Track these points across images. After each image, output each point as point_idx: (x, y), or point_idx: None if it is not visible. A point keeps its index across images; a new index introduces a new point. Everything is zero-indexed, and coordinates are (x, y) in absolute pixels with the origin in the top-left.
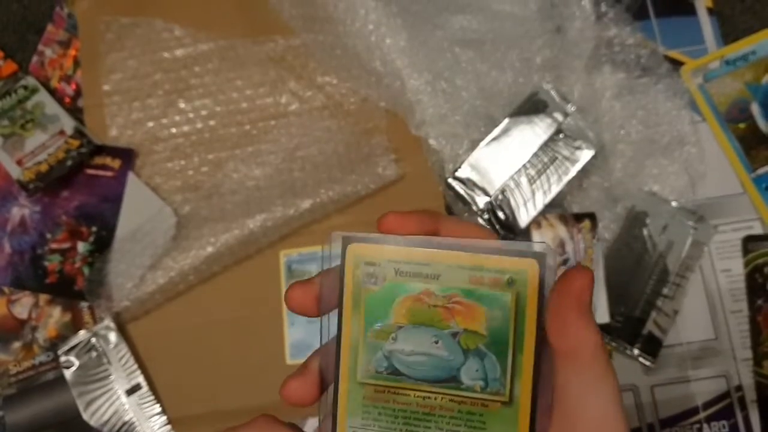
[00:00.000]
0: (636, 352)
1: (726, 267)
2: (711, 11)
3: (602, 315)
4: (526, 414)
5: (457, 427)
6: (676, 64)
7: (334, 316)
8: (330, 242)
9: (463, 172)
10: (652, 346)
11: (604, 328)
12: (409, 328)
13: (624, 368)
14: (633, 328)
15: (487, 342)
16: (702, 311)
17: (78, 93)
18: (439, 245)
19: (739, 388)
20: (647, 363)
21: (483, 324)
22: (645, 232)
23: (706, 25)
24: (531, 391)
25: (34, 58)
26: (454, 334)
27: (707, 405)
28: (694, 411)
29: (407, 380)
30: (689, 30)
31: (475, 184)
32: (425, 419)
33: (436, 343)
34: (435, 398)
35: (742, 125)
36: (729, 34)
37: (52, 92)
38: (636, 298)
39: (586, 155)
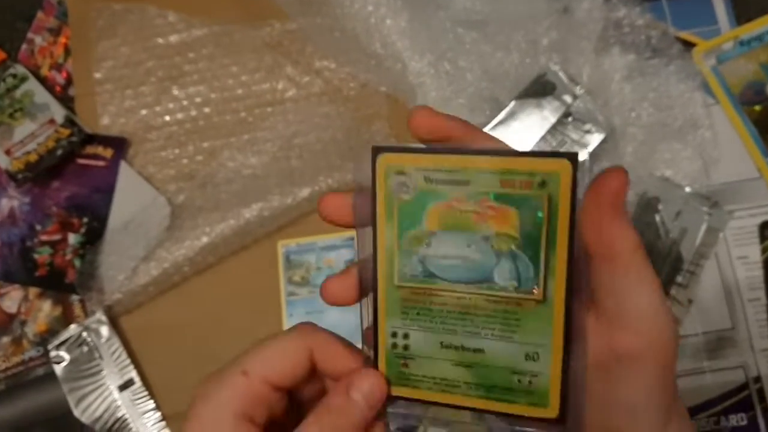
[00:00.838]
0: None
1: (742, 254)
2: None
3: None
4: (561, 312)
5: (493, 325)
6: (688, 45)
7: (369, 231)
8: (356, 166)
9: None
10: None
11: None
12: (442, 233)
13: None
14: None
15: (520, 243)
16: (718, 300)
17: (69, 81)
18: (468, 151)
19: (757, 379)
20: None
21: (515, 226)
22: (657, 218)
23: (719, 6)
24: (565, 290)
25: (24, 46)
26: (486, 238)
27: (724, 397)
28: (711, 403)
29: (442, 282)
30: (701, 10)
31: None
32: (462, 318)
33: (469, 246)
34: (470, 298)
35: (757, 108)
36: (742, 14)
37: (42, 81)
38: None
39: (596, 139)
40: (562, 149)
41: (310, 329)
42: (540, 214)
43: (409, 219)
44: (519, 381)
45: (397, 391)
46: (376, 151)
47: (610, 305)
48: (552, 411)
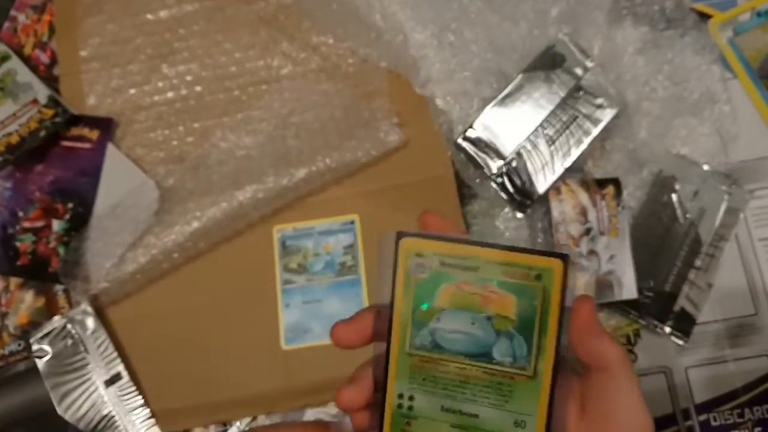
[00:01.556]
0: (667, 330)
1: (764, 235)
2: None
3: (629, 290)
4: (548, 387)
5: (488, 394)
6: (704, 17)
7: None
8: (382, 240)
9: (474, 132)
10: (685, 324)
11: (631, 304)
12: (451, 310)
13: (654, 348)
14: (663, 304)
15: (516, 326)
16: (739, 284)
17: (54, 61)
18: (479, 243)
19: None
20: (680, 342)
21: (513, 310)
22: (674, 198)
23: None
24: (552, 369)
25: (6, 24)
26: (489, 318)
27: (748, 388)
28: (734, 395)
29: (447, 353)
30: None
31: (487, 146)
32: (461, 386)
33: (473, 324)
34: (470, 369)
35: None
36: None
37: (26, 60)
38: (666, 271)
39: (608, 114)
40: (572, 126)
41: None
42: (535, 302)
43: (423, 295)
44: None
45: None
46: (400, 235)
47: (603, 407)
48: None
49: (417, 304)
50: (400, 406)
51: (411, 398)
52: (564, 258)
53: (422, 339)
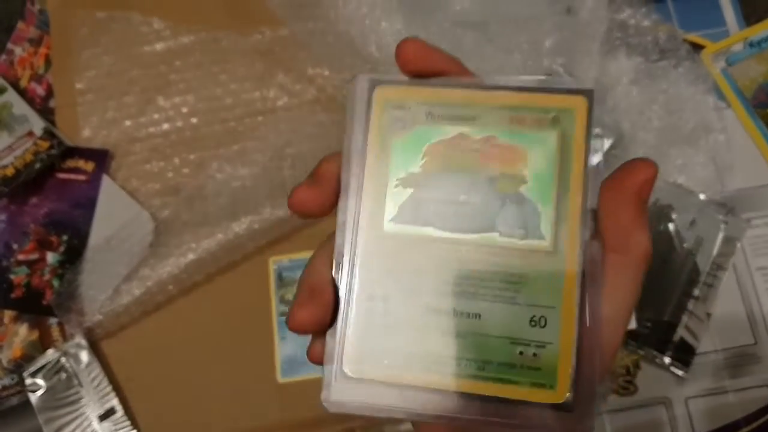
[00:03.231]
0: (667, 360)
1: (762, 264)
2: None
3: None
4: (573, 265)
5: (492, 283)
6: (696, 47)
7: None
8: (354, 85)
9: None
10: (685, 354)
11: (631, 335)
12: (440, 174)
13: (654, 379)
14: (663, 333)
15: (528, 186)
16: (738, 314)
17: (49, 93)
18: (477, 85)
19: None
20: (680, 372)
21: (523, 166)
22: (671, 227)
23: (727, 7)
24: (579, 238)
25: (3, 57)
26: (491, 179)
27: (749, 419)
28: (735, 426)
29: (436, 231)
30: (708, 11)
31: None
32: (456, 275)
33: (470, 190)
34: (467, 251)
35: None
36: (751, 14)
37: (22, 92)
38: (664, 301)
39: (604, 144)
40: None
41: None
42: (552, 154)
43: (404, 158)
44: (521, 353)
45: (368, 373)
46: (374, 83)
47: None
48: (558, 394)
49: (395, 170)
50: (370, 310)
51: (385, 298)
52: (588, 94)
53: (403, 215)
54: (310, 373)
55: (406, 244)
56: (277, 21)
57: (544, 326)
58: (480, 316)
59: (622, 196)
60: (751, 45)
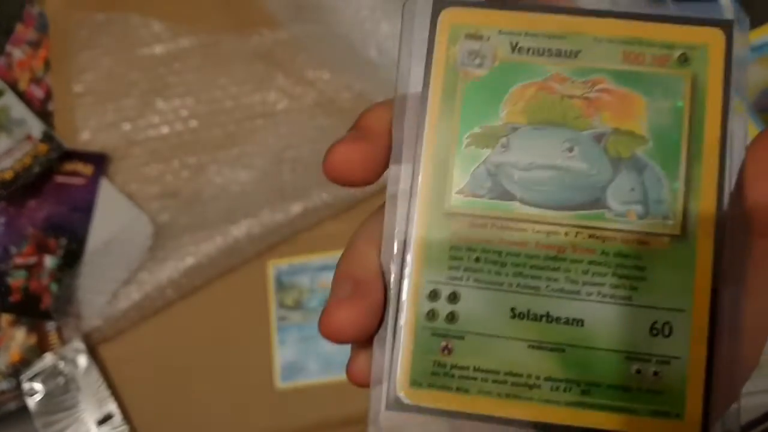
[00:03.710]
0: None
1: None
2: None
3: None
4: (708, 253)
5: (601, 277)
6: None
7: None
8: (414, 5)
9: None
10: None
11: None
12: (530, 129)
13: None
14: None
15: (649, 147)
16: None
17: (48, 96)
18: (579, 11)
19: None
20: None
21: (642, 121)
22: None
23: (728, 11)
24: (715, 219)
25: (2, 60)
26: (599, 137)
27: (752, 424)
28: None
29: (523, 207)
30: (708, 13)
31: None
32: (550, 267)
33: (571, 150)
34: (566, 234)
35: None
36: (753, 18)
37: (21, 95)
38: None
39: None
40: None
41: None
42: (680, 104)
43: (479, 106)
44: (638, 372)
45: (430, 399)
46: (440, 3)
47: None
48: (687, 425)
49: (468, 123)
50: (431, 314)
51: (453, 298)
52: (727, 26)
53: (476, 185)
54: (309, 378)
55: (480, 225)
56: (276, 23)
57: (669, 335)
58: (583, 322)
59: None
60: (753, 49)
